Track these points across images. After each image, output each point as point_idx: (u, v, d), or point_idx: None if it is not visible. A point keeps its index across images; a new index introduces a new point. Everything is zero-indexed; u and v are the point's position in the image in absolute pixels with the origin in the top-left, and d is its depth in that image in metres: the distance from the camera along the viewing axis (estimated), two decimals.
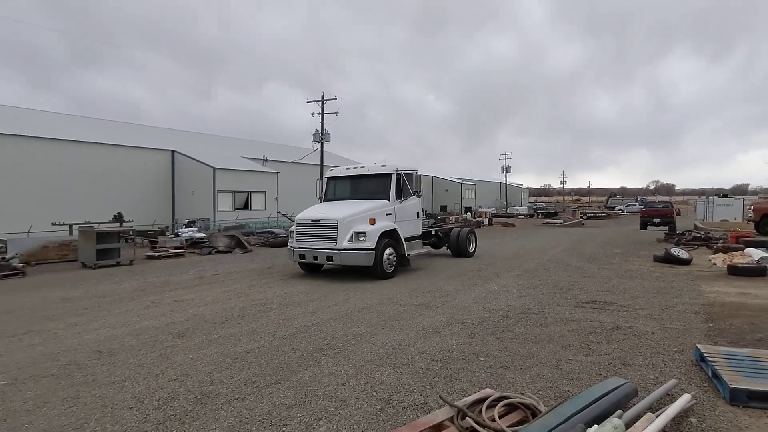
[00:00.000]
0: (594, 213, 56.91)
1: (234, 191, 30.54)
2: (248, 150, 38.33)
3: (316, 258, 11.37)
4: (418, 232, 13.32)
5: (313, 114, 35.42)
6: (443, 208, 56.49)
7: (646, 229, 30.04)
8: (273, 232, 23.14)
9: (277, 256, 16.70)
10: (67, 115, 35.83)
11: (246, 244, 19.40)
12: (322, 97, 35.18)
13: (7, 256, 13.65)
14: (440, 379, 4.89)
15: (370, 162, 14.03)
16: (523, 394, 4.28)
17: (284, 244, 20.33)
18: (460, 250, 15.38)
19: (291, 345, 6.11)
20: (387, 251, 11.26)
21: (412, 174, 12.68)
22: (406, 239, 12.11)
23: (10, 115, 27.02)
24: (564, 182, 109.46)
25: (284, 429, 3.85)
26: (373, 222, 11.26)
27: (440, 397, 4.23)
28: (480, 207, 57.90)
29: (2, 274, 12.39)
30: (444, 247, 15.90)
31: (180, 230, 23.07)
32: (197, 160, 29.75)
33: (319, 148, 35.45)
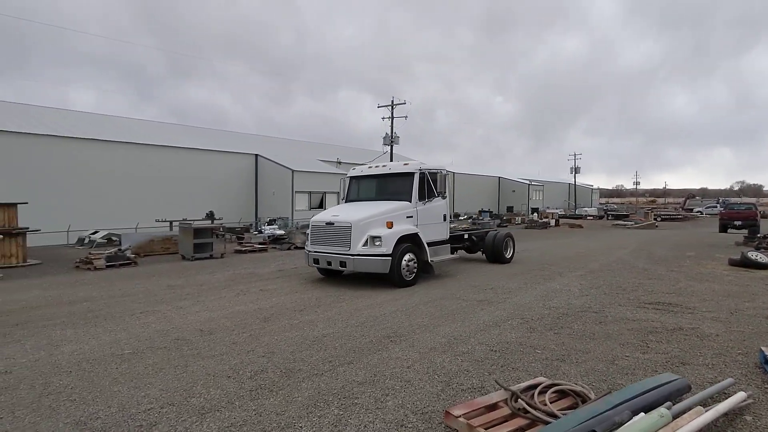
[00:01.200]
0: (669, 215, 53.49)
1: (310, 192, 31.83)
2: (323, 153, 39.74)
3: (329, 263, 10.32)
4: (445, 236, 11.84)
5: (383, 118, 36.17)
6: (509, 209, 55.45)
7: (725, 231, 28.02)
8: None
9: None
10: (166, 123, 38.90)
11: None
12: (392, 102, 35.81)
13: (122, 248, 15.27)
14: (497, 367, 5.13)
15: (433, 161, 13.33)
16: (579, 386, 4.44)
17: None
18: (496, 256, 13.76)
19: (361, 332, 6.57)
20: (406, 257, 10.03)
21: (437, 173, 11.29)
22: (430, 244, 10.92)
23: (120, 124, 29.82)
24: (637, 183, 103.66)
25: (356, 401, 4.27)
26: (390, 225, 10.10)
27: (496, 381, 4.50)
28: (548, 208, 56.22)
29: (119, 263, 13.91)
30: (480, 252, 14.36)
31: (262, 227, 24.49)
32: (277, 163, 31.31)
33: (389, 151, 36.07)
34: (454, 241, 12.81)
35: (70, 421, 3.98)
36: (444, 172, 11.70)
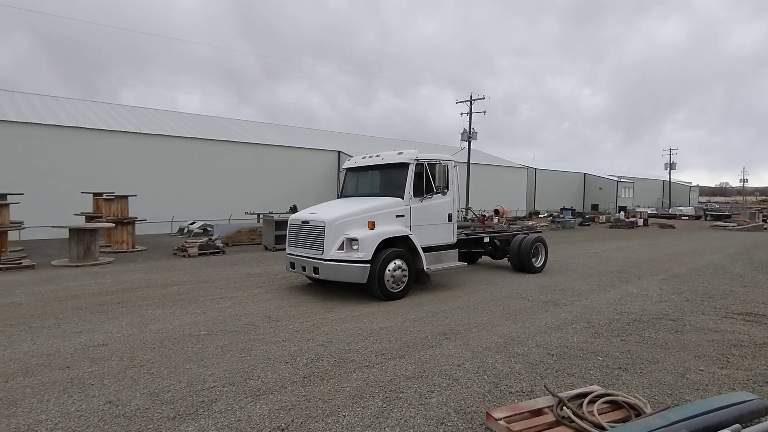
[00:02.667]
0: None
1: None
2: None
3: (304, 268, 8.67)
4: (450, 239, 9.68)
5: (462, 114, 35.54)
6: (594, 207, 52.30)
7: None
8: None
9: None
10: (259, 122, 41.13)
11: None
12: (471, 96, 35.08)
13: (213, 238, 16.43)
14: (551, 371, 4.89)
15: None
16: (634, 398, 4.12)
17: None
18: (522, 264, 11.48)
19: (418, 327, 6.55)
20: (392, 265, 8.23)
21: (435, 165, 9.17)
22: (429, 249, 9.09)
23: (220, 124, 32.00)
24: (744, 180, 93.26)
25: (401, 395, 4.28)
26: (372, 226, 8.34)
27: (544, 386, 4.29)
28: (637, 207, 52.34)
29: (209, 251, 14.98)
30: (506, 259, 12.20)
31: None
32: None
33: (467, 146, 35.45)
34: (471, 245, 11.43)
35: (146, 392, 4.37)
36: (451, 164, 9.67)
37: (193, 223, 21.92)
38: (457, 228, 10.96)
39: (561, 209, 40.49)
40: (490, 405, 4.07)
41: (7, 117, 20.23)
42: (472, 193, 35.17)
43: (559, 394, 3.93)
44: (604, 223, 36.11)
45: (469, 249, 11.42)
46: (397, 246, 8.54)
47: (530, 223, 30.22)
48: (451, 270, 10.15)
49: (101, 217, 15.89)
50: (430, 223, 9.23)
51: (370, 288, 8.20)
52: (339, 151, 33.02)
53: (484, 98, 35.17)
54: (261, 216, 21.04)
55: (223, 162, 26.33)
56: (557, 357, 5.33)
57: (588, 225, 34.63)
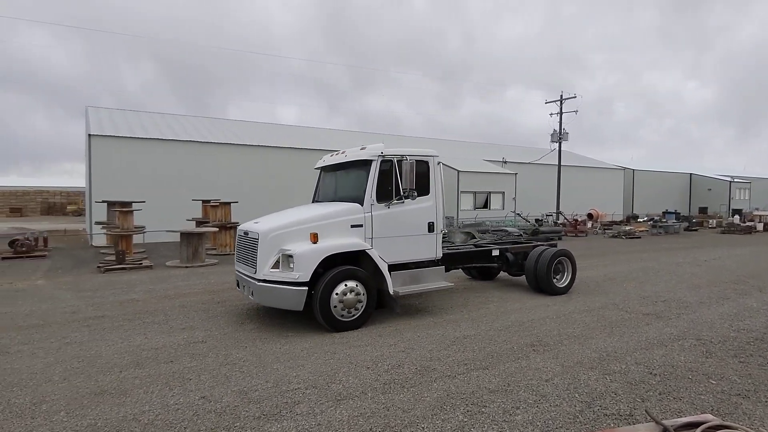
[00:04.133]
0: None
1: (475, 192, 31.42)
2: (489, 153, 38.88)
3: (244, 287, 7.21)
4: (432, 254, 7.58)
5: (551, 114, 33.82)
6: (702, 210, 47.10)
7: None
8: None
9: None
10: (349, 131, 42.33)
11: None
12: (561, 96, 33.26)
13: None
14: (654, 393, 4.32)
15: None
16: (756, 429, 3.50)
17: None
18: (540, 284, 9.02)
19: (504, 336, 6.18)
20: (341, 287, 6.52)
21: (402, 161, 7.10)
22: (404, 266, 7.31)
23: (313, 134, 33.38)
24: None
25: (483, 409, 4.00)
26: (315, 239, 6.68)
27: (646, 410, 3.78)
28: (756, 209, 46.31)
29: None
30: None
31: None
32: (444, 164, 31.67)
33: (557, 148, 33.64)
34: (465, 260, 9.15)
35: (237, 389, 4.51)
36: (434, 161, 7.64)
37: None
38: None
39: (663, 213, 36.94)
40: (582, 428, 3.66)
41: (135, 134, 22.64)
42: (564, 196, 33.32)
43: (663, 422, 3.42)
44: (714, 227, 32.37)
45: (465, 265, 9.36)
46: (357, 263, 6.88)
47: (628, 227, 27.90)
48: (431, 292, 8.11)
49: (208, 222, 17.15)
50: (402, 234, 7.26)
51: (316, 315, 6.56)
52: None
53: (575, 97, 33.20)
54: None
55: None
56: (661, 377, 4.72)
57: (695, 230, 31.22)
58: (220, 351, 5.69)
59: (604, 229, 28.42)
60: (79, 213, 46.27)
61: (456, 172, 30.55)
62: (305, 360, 5.33)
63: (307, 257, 6.44)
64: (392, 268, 7.13)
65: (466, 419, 3.83)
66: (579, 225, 27.67)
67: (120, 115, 27.06)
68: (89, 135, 21.60)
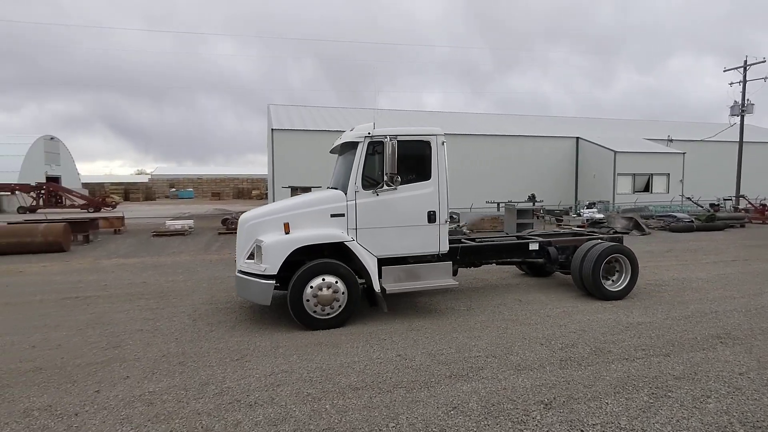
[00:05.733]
0: None
1: (634, 174, 28.46)
2: (651, 131, 34.66)
3: None
4: (434, 247, 6.55)
5: (731, 83, 28.73)
6: None
7: None
8: (674, 216, 20.56)
9: (677, 241, 14.98)
10: (493, 114, 41.38)
11: (644, 226, 18.08)
12: (745, 61, 27.99)
13: (460, 225, 17.47)
14: None
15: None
16: None
17: (687, 229, 17.88)
18: (586, 285, 7.33)
19: (684, 326, 5.81)
20: (316, 281, 5.88)
21: (385, 143, 6.01)
22: (394, 261, 6.40)
23: (459, 119, 33.49)
24: None
25: (669, 394, 3.96)
26: (288, 228, 6.09)
27: None
28: None
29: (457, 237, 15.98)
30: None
31: (581, 210, 23.50)
32: (599, 145, 29.17)
33: (738, 122, 28.56)
34: (500, 253, 7.75)
35: (425, 351, 5.09)
36: (436, 140, 6.53)
37: None
38: (688, 221, 8.70)
39: None
40: None
41: (308, 127, 25.32)
42: (747, 178, 28.38)
43: None
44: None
45: (493, 260, 7.76)
46: (345, 256, 6.16)
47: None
48: (432, 290, 6.91)
49: None
50: (394, 224, 6.34)
51: (291, 312, 5.96)
52: (577, 138, 30.79)
53: (764, 61, 27.68)
54: (500, 205, 21.32)
55: (463, 154, 27.54)
56: None
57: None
58: (405, 319, 6.37)
59: None
60: (261, 197, 53.21)
61: (612, 152, 28.03)
62: (480, 332, 5.73)
63: (275, 249, 5.87)
64: (386, 262, 6.35)
65: (651, 401, 3.84)
66: (767, 211, 23.38)
67: (295, 110, 30.40)
68: (272, 129, 24.81)
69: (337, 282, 5.97)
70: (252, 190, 59.77)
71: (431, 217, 6.44)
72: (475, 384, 4.25)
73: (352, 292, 6.03)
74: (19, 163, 37.91)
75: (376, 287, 6.14)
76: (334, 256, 6.17)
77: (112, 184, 59.39)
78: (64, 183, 40.65)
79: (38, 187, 31.54)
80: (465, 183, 26.82)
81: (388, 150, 5.97)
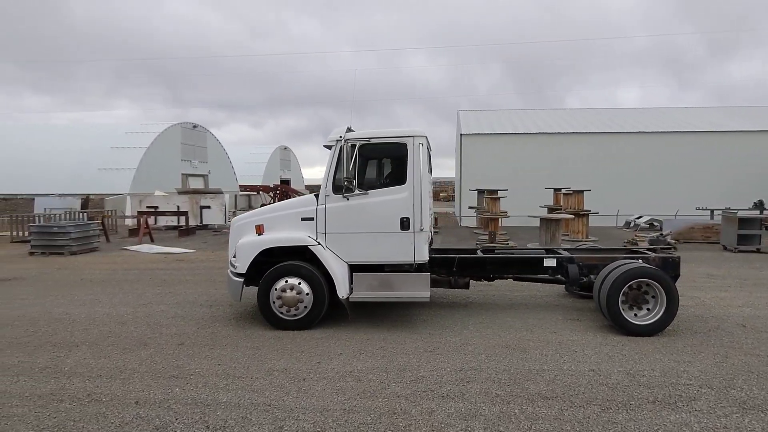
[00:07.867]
0: None
1: None
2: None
3: None
4: (408, 256, 5.93)
5: None
6: None
7: None
8: None
9: None
10: (705, 107, 34.21)
11: None
12: None
13: (663, 234, 15.11)
14: None
15: None
16: None
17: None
18: (604, 312, 5.86)
19: None
20: (281, 283, 5.86)
21: (352, 145, 5.74)
22: (370, 269, 6.00)
23: (659, 115, 28.72)
24: None
25: None
26: (260, 230, 6.15)
27: None
28: None
29: (658, 247, 13.86)
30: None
31: None
32: None
33: None
34: (505, 267, 6.76)
35: (623, 370, 4.63)
36: (413, 142, 5.91)
37: (640, 217, 20.74)
38: None
39: None
40: None
41: (495, 131, 25.02)
42: None
43: None
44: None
45: (496, 275, 6.74)
46: (297, 259, 5.99)
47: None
48: (404, 301, 6.45)
49: (560, 209, 17.40)
50: (363, 230, 5.96)
51: (261, 311, 6.07)
52: None
53: None
54: (714, 212, 17.70)
55: (666, 153, 23.63)
56: None
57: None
58: (598, 332, 5.87)
59: None
60: (448, 199, 54.65)
61: None
62: (692, 357, 4.94)
63: (245, 249, 6.11)
64: (361, 269, 6.07)
65: None
66: None
67: (483, 115, 30.29)
68: (461, 134, 25.23)
69: (300, 284, 5.92)
70: (440, 192, 61.83)
71: (404, 224, 5.91)
72: (685, 416, 3.72)
73: (317, 294, 5.92)
74: (263, 169, 46.70)
75: (340, 293, 5.91)
76: (306, 259, 6.08)
77: None
78: (293, 185, 48.59)
79: (275, 188, 38.38)
80: (668, 186, 23.03)
81: (343, 153, 5.83)
